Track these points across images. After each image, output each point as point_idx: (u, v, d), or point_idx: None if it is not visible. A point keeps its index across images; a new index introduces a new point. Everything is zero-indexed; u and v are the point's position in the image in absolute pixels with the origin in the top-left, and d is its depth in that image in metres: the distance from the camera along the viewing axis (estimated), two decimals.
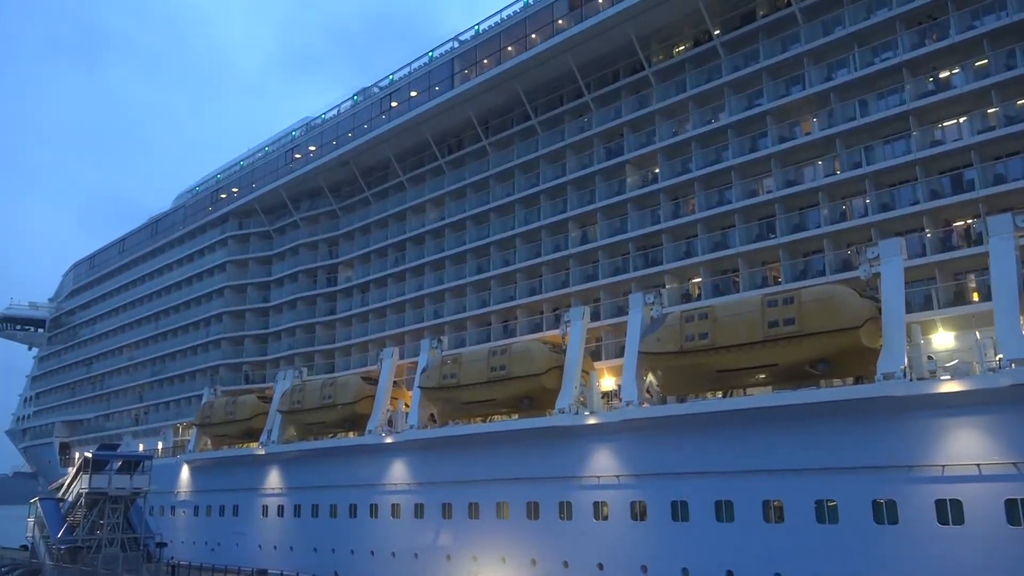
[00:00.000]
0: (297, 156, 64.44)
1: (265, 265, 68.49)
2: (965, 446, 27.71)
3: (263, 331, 66.21)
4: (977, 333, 29.30)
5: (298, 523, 54.10)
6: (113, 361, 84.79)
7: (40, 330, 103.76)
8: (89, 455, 49.20)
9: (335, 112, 62.96)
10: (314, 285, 63.30)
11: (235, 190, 71.65)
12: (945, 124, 34.24)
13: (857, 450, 29.80)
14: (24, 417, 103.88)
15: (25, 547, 58.03)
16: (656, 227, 41.82)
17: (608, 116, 46.09)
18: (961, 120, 33.60)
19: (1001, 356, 27.12)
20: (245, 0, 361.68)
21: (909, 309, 30.73)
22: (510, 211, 49.96)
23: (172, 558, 56.10)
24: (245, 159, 73.83)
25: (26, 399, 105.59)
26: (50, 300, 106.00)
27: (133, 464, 49.60)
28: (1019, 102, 31.83)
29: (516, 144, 50.74)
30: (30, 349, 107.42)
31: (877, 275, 30.91)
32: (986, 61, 32.51)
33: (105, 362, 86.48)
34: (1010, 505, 26.42)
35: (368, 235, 59.96)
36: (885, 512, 28.98)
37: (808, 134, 38.03)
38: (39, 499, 51.50)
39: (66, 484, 52.24)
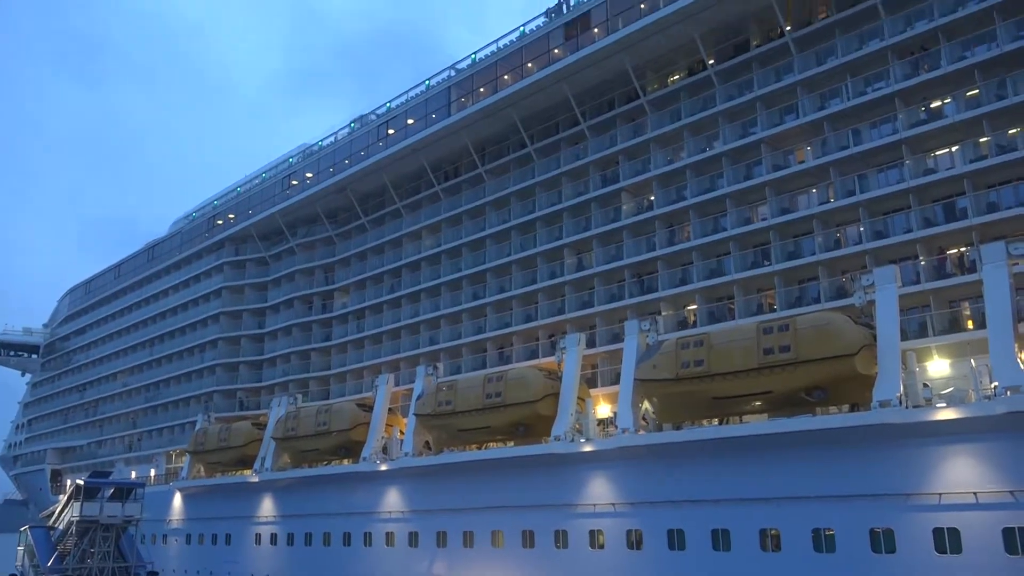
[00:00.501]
0: (294, 183, 64.68)
1: (261, 291, 68.43)
2: (962, 474, 27.64)
3: (258, 357, 65.99)
4: (972, 361, 29.36)
5: (292, 551, 53.55)
6: (107, 387, 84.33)
7: (34, 356, 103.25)
8: (81, 482, 48.71)
9: (332, 139, 63.32)
10: (309, 311, 63.23)
11: (231, 216, 71.79)
12: (938, 153, 34.55)
13: (854, 478, 29.69)
14: (15, 444, 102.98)
15: None
16: (651, 254, 41.97)
17: (603, 144, 46.42)
18: (953, 149, 33.90)
19: (996, 384, 27.14)
20: (247, 19, 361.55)
21: (904, 336, 30.80)
22: (506, 238, 50.12)
23: None
24: (242, 185, 74.10)
25: (18, 426, 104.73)
26: (44, 326, 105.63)
27: (125, 491, 49.10)
28: (1011, 131, 32.14)
29: (512, 172, 51.03)
30: (23, 375, 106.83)
31: (872, 302, 31.02)
32: (977, 91, 32.88)
33: (99, 388, 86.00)
34: (1008, 533, 26.30)
35: (364, 261, 60.04)
36: (883, 540, 28.80)
37: (802, 162, 38.33)
38: (29, 527, 50.91)
39: (57, 512, 51.69)
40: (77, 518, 46.64)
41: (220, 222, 73.14)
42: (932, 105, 34.77)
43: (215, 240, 72.53)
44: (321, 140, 64.94)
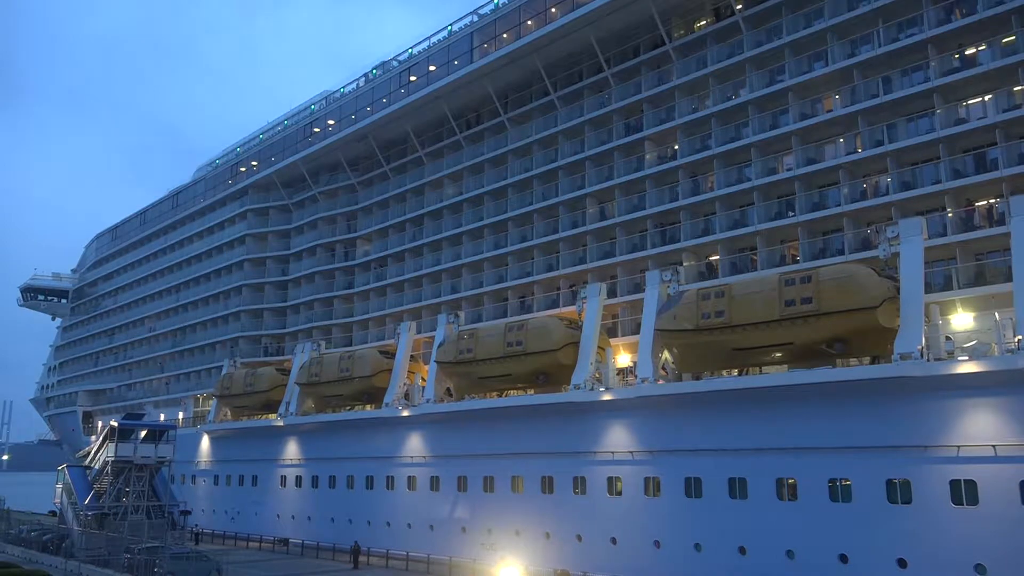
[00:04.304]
0: (316, 130, 64.54)
1: (284, 239, 68.93)
2: (981, 427, 27.67)
3: (282, 304, 66.80)
4: (996, 314, 29.09)
5: (316, 494, 54.92)
6: (135, 332, 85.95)
7: (63, 300, 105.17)
8: (115, 424, 50.04)
9: (354, 86, 62.92)
10: (332, 259, 63.67)
11: (255, 164, 71.98)
12: (970, 102, 33.73)
13: (872, 430, 29.82)
14: (48, 386, 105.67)
15: (53, 512, 59.29)
16: (674, 204, 41.63)
17: (628, 92, 45.74)
18: (987, 98, 33.09)
19: (1020, 337, 26.94)
20: None
21: (928, 289, 30.55)
22: (528, 187, 49.89)
23: (196, 525, 57.22)
24: (265, 132, 74.09)
25: (50, 368, 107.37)
26: (73, 271, 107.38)
27: (158, 433, 50.42)
28: None
29: (535, 119, 50.54)
30: (53, 319, 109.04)
31: (896, 255, 30.74)
32: (1013, 38, 31.91)
33: (127, 333, 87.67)
34: None
35: (386, 209, 60.13)
36: (899, 491, 29.05)
37: (830, 111, 37.61)
38: (67, 467, 52.52)
39: (92, 452, 53.22)
40: (112, 458, 48.03)
41: (243, 169, 73.39)
42: (966, 52, 33.82)
43: (238, 187, 72.88)
44: (343, 87, 64.62)
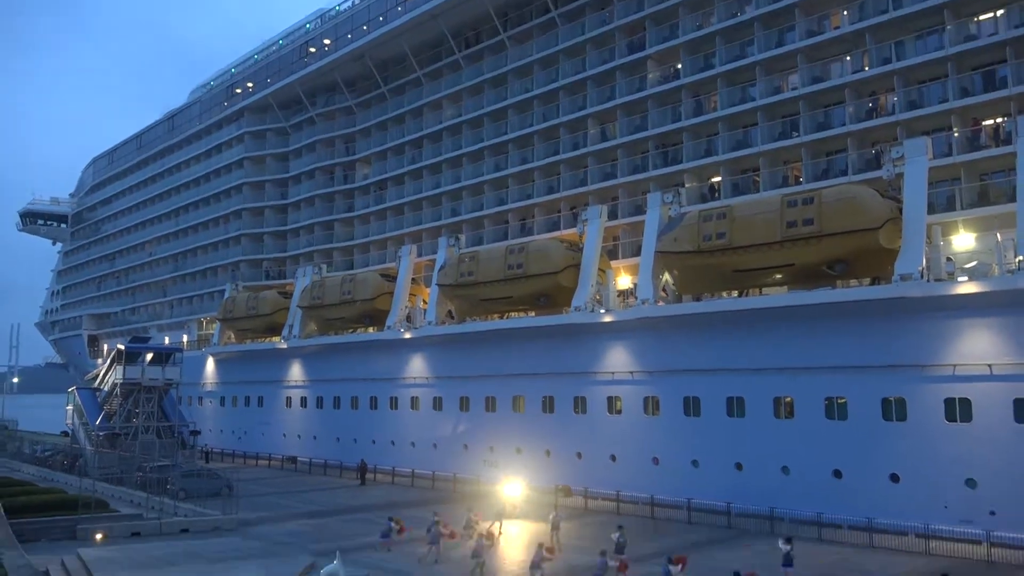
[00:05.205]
0: (312, 50, 63.22)
1: (282, 162, 68.28)
2: (977, 346, 28.01)
3: (282, 228, 66.66)
4: (998, 234, 29.07)
5: (321, 414, 55.99)
6: (136, 256, 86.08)
7: (63, 225, 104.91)
8: (122, 347, 50.63)
9: (350, 3, 61.29)
10: (331, 182, 63.23)
11: (250, 85, 70.75)
12: (981, 18, 32.94)
13: (869, 349, 30.19)
14: (52, 310, 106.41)
15: (66, 433, 60.57)
16: (677, 125, 41.09)
17: (630, 9, 44.57)
18: (998, 13, 32.30)
19: (1021, 258, 27.01)
20: None
21: (931, 210, 30.44)
22: (528, 108, 49.13)
23: (206, 445, 58.52)
24: (259, 52, 72.56)
25: (53, 293, 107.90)
26: (71, 195, 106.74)
27: (165, 356, 51.08)
28: None
29: (535, 39, 49.39)
30: (54, 244, 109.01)
31: (900, 175, 30.52)
32: None
33: (128, 257, 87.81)
34: (1019, 404, 26.90)
35: (385, 132, 59.37)
36: (894, 409, 29.61)
37: (837, 28, 36.72)
38: (76, 389, 53.39)
39: (101, 375, 54.03)
40: (121, 381, 48.80)
41: (239, 91, 72.16)
42: None
43: (234, 109, 71.83)
44: (339, 4, 62.92)
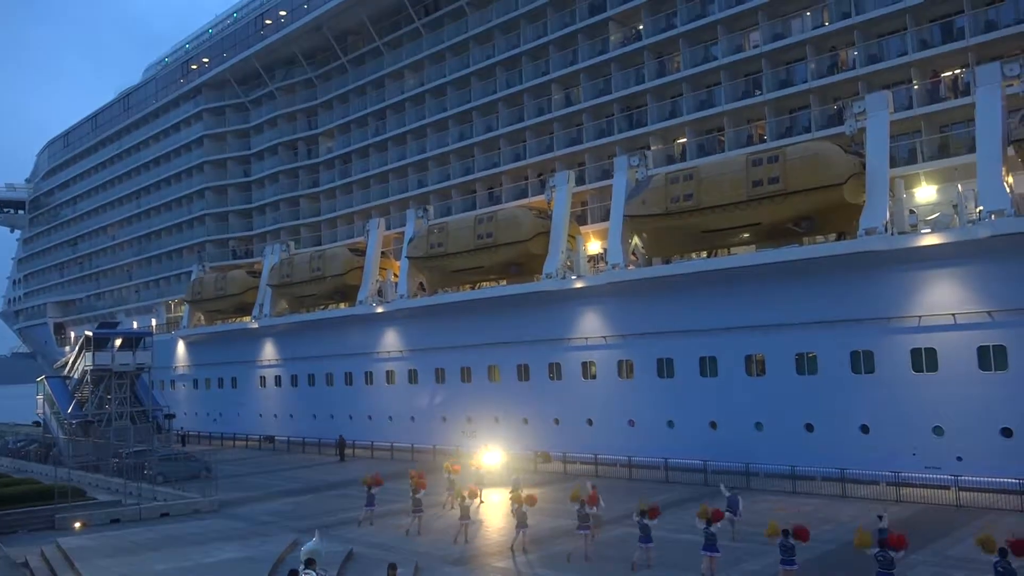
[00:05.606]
0: (268, 22, 61.84)
1: (243, 138, 67.05)
2: (942, 297, 28.56)
3: (247, 206, 65.64)
4: (959, 186, 29.49)
5: (296, 392, 55.81)
6: (98, 241, 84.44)
7: (20, 212, 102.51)
8: (90, 334, 49.87)
9: None
10: (295, 157, 62.29)
11: (206, 61, 69.16)
12: None
13: (837, 304, 30.68)
14: (15, 299, 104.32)
15: (37, 423, 59.78)
16: (640, 87, 40.94)
17: None
18: None
19: (981, 208, 27.45)
20: None
21: (893, 163, 30.77)
22: (491, 75, 48.61)
23: (182, 428, 58.12)
24: (213, 27, 70.87)
25: (15, 281, 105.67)
26: (27, 181, 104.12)
27: (134, 340, 50.43)
28: None
29: (495, 3, 48.72)
30: (12, 231, 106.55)
31: (863, 130, 30.76)
32: None
33: (90, 242, 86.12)
34: (982, 351, 27.56)
35: (347, 104, 58.48)
36: (863, 362, 30.19)
37: None
38: (46, 377, 52.61)
39: (70, 362, 53.26)
40: (91, 367, 48.12)
41: (195, 67, 70.53)
42: None
43: (191, 86, 70.25)
44: None
